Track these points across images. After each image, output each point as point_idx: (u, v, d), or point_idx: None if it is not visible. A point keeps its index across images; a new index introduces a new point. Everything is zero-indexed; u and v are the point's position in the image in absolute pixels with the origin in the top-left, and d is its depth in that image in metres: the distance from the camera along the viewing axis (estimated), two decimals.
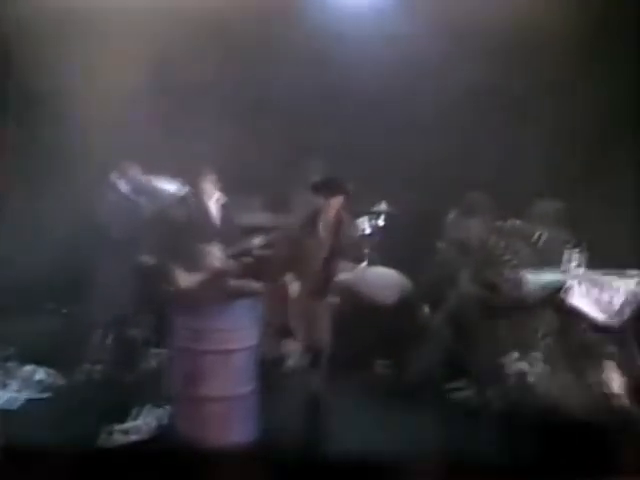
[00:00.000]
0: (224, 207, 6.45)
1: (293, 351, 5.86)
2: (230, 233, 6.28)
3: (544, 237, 5.77)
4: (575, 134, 6.61)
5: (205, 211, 6.35)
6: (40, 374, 5.79)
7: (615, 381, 5.42)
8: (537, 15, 6.36)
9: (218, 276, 5.86)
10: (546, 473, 4.50)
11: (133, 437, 5.06)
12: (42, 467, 4.42)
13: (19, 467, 4.41)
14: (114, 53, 6.49)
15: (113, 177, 6.35)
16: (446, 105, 6.69)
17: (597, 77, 6.54)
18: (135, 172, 6.39)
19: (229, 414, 4.95)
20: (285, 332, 5.47)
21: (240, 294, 5.28)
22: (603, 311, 5.48)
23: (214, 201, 6.41)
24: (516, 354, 5.54)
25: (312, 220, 5.23)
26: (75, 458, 4.55)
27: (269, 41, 6.98)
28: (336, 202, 5.21)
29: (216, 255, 5.99)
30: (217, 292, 5.45)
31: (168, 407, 5.19)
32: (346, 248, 5.42)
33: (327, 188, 5.23)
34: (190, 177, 6.43)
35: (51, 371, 5.85)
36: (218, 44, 6.81)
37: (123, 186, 6.35)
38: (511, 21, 6.34)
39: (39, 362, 5.88)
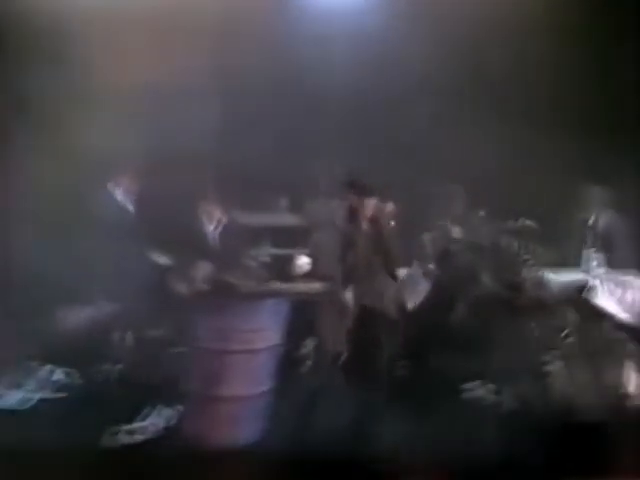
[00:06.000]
0: (226, 228, 6.47)
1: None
2: (229, 255, 6.25)
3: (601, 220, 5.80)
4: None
5: (202, 233, 6.41)
6: (58, 374, 5.73)
7: (633, 381, 5.43)
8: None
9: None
10: (560, 473, 4.49)
11: (139, 437, 5.02)
12: (48, 468, 4.38)
13: (22, 467, 4.37)
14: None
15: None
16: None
17: None
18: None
19: (244, 413, 4.94)
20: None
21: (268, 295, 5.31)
22: (627, 310, 5.53)
23: (215, 223, 6.45)
24: (537, 354, 5.55)
25: (351, 216, 5.36)
26: (82, 458, 4.50)
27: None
28: (371, 203, 5.33)
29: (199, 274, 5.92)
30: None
31: (179, 408, 5.14)
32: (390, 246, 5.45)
33: (359, 188, 5.32)
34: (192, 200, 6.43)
35: (70, 371, 5.77)
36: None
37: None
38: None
39: (58, 362, 5.80)
